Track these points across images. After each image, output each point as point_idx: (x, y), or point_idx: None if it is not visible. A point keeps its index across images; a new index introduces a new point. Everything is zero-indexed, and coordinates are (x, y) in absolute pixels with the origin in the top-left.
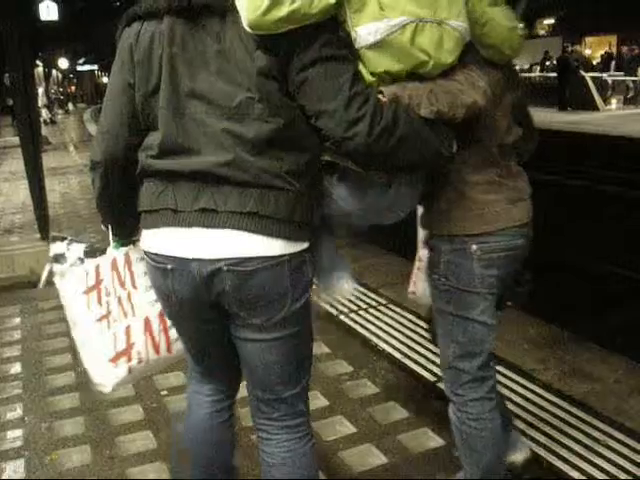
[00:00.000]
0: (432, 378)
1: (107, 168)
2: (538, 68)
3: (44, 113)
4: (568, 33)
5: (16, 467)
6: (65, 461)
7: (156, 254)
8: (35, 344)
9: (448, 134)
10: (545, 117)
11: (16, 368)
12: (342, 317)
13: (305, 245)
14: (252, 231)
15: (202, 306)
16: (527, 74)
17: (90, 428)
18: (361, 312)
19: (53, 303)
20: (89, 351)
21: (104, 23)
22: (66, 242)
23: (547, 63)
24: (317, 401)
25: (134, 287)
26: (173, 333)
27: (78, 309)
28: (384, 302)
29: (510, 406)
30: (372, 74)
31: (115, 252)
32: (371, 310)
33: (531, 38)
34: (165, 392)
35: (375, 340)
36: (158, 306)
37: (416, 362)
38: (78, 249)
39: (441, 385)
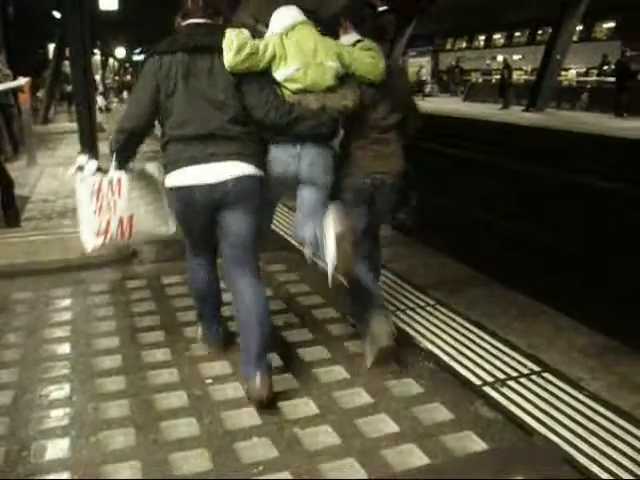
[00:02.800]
0: (478, 382)
1: (132, 132)
2: (595, 72)
3: (99, 101)
4: (628, 37)
5: (62, 445)
6: (109, 442)
7: (179, 185)
8: (84, 326)
9: (331, 117)
10: (598, 123)
11: (65, 348)
12: None
13: (263, 172)
14: (240, 161)
15: (208, 206)
16: (583, 78)
17: (135, 411)
18: (408, 311)
19: (103, 287)
20: (85, 227)
21: (161, 15)
22: (86, 158)
23: (605, 67)
24: (360, 398)
25: (119, 196)
26: (132, 233)
27: (85, 202)
28: (432, 303)
29: (556, 414)
30: (290, 91)
31: (113, 173)
32: (419, 310)
33: (589, 41)
34: (210, 380)
35: (422, 340)
36: (129, 213)
37: (462, 365)
38: (93, 165)
39: (487, 389)
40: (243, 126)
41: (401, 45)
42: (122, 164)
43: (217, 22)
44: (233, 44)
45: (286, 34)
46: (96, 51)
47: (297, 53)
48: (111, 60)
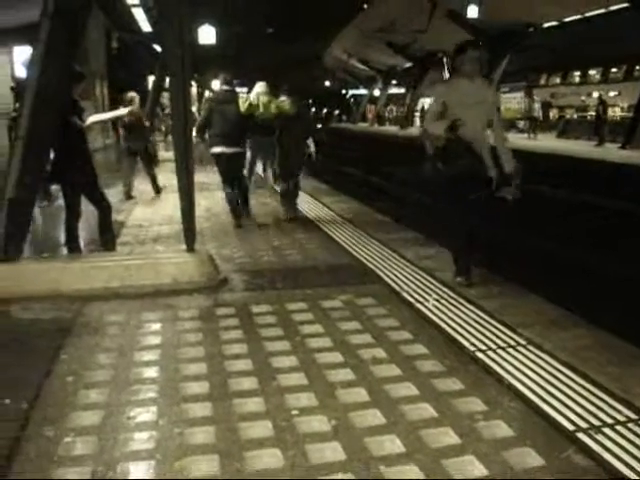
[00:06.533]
0: (571, 427)
1: (199, 128)
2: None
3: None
4: None
5: (147, 468)
6: (193, 469)
7: (218, 152)
8: (173, 351)
9: (273, 129)
10: None
11: (154, 372)
12: (479, 354)
13: (244, 149)
14: (233, 146)
15: (224, 159)
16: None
17: (220, 439)
18: (499, 351)
19: (193, 313)
20: None
21: (255, 48)
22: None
23: None
24: (448, 438)
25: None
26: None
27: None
28: (523, 342)
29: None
30: (262, 119)
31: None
32: (509, 349)
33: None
34: (296, 412)
35: (512, 381)
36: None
37: (554, 408)
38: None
39: (581, 436)
40: (240, 131)
41: (494, 80)
42: (202, 138)
43: (233, 88)
44: (245, 103)
45: (258, 97)
46: (193, 83)
47: (262, 105)
48: (207, 92)
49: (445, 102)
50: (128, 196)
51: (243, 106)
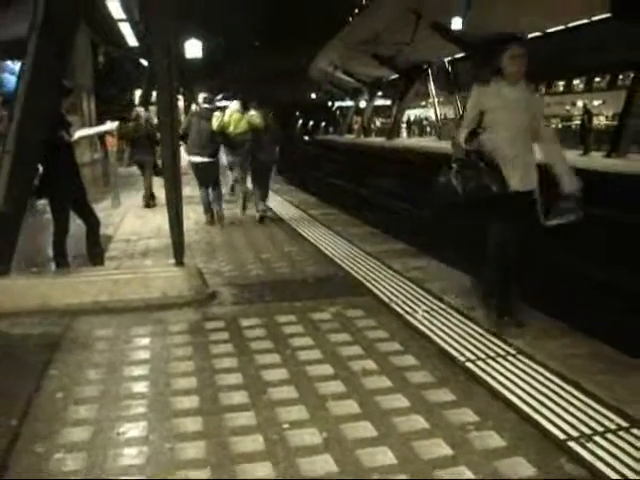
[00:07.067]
0: (562, 436)
1: (183, 136)
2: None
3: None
4: None
5: None
6: None
7: (194, 161)
8: (163, 365)
9: (244, 142)
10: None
11: (143, 387)
12: (469, 364)
13: (216, 159)
14: (209, 157)
15: (200, 168)
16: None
17: (211, 453)
18: (489, 361)
19: (182, 327)
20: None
21: (241, 62)
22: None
23: None
24: (440, 449)
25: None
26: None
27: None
28: (513, 352)
29: None
30: (233, 134)
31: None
32: (500, 359)
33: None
34: (287, 425)
35: (503, 391)
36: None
37: (546, 417)
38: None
39: (572, 445)
40: (212, 144)
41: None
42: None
43: (212, 106)
44: (216, 121)
45: (231, 114)
46: (179, 97)
47: (232, 122)
48: (194, 106)
49: (482, 109)
50: (147, 204)
51: (215, 123)
